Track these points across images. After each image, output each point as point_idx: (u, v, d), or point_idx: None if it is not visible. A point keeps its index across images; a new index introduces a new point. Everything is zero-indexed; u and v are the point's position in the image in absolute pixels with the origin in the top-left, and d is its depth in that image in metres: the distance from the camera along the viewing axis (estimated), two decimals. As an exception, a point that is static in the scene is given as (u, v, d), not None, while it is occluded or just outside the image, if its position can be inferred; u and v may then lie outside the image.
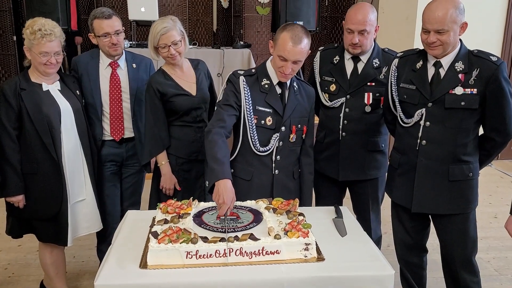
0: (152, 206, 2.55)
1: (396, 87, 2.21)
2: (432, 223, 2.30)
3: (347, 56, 2.47)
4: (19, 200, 2.27)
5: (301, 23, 5.25)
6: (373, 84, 2.44)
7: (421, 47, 2.15)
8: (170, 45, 2.39)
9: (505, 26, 5.31)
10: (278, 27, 5.41)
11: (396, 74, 2.22)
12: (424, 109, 2.08)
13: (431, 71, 2.10)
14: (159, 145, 2.51)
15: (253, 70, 2.21)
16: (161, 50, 2.42)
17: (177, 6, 6.72)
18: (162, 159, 2.52)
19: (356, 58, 2.45)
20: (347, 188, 2.75)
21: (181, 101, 2.47)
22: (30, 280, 2.90)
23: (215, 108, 2.19)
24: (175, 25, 2.41)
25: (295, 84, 2.21)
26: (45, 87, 2.30)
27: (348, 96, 2.45)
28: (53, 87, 2.34)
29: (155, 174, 2.65)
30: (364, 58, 2.45)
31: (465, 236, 2.18)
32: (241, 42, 5.66)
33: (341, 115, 2.47)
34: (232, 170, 2.13)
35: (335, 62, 2.51)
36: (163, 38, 2.38)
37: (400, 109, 2.20)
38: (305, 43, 2.02)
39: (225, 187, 1.80)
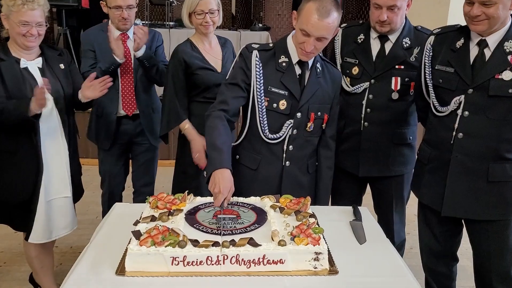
0: (176, 190, 2.49)
1: (430, 69, 1.91)
2: (465, 229, 2.00)
3: (373, 35, 2.18)
4: None
5: (325, 5, 4.96)
6: (402, 67, 2.13)
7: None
8: (207, 12, 2.34)
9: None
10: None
11: (431, 54, 1.92)
12: (462, 96, 1.77)
13: (473, 51, 1.79)
14: (178, 116, 2.40)
15: (271, 45, 1.92)
16: (196, 16, 2.36)
17: (194, -14, 6.47)
18: (185, 124, 2.39)
19: (383, 37, 2.16)
20: (368, 185, 2.47)
21: (205, 75, 2.39)
22: (22, 271, 2.72)
23: (220, 86, 1.94)
24: None
25: (318, 65, 1.91)
26: (23, 63, 2.06)
27: (372, 81, 2.16)
28: (33, 64, 2.09)
29: (179, 157, 2.57)
30: (393, 38, 2.15)
31: (504, 246, 1.88)
32: (260, 25, 5.39)
33: (364, 102, 2.19)
34: (238, 156, 1.96)
35: (359, 41, 2.21)
36: (201, 3, 2.33)
37: (433, 95, 1.90)
38: (334, 17, 1.71)
39: (222, 176, 1.61)
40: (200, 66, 2.39)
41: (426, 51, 1.94)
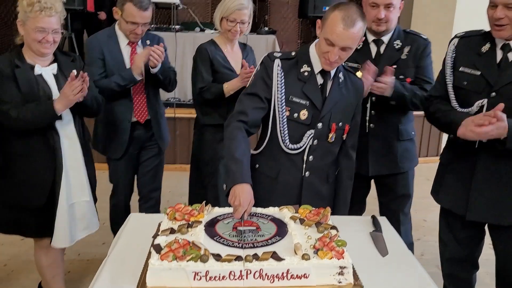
0: (193, 198, 2.68)
1: (452, 70, 1.90)
2: (489, 235, 1.97)
3: (369, 38, 2.28)
4: None
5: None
6: (395, 66, 2.21)
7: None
8: (238, 22, 2.44)
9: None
10: (306, 13, 5.20)
11: (453, 55, 1.91)
12: (485, 100, 1.75)
13: (498, 55, 1.77)
14: (217, 86, 2.47)
15: (293, 53, 1.88)
16: (228, 22, 2.45)
17: (199, -10, 6.47)
18: (224, 85, 2.44)
19: (378, 41, 2.28)
20: (373, 185, 2.54)
21: (226, 75, 2.48)
22: (30, 279, 2.69)
23: (239, 96, 1.91)
24: (249, 6, 2.47)
25: (340, 74, 1.87)
26: (37, 70, 2.03)
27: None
28: (48, 71, 2.07)
29: (193, 163, 2.72)
30: (386, 39, 2.28)
31: None
32: (266, 28, 5.35)
33: (368, 105, 2.27)
34: (257, 165, 1.93)
35: (359, 47, 2.20)
36: (237, 13, 2.42)
37: (453, 96, 1.88)
38: (359, 26, 1.68)
39: (242, 190, 1.61)
40: (221, 64, 2.49)
41: (449, 53, 1.92)
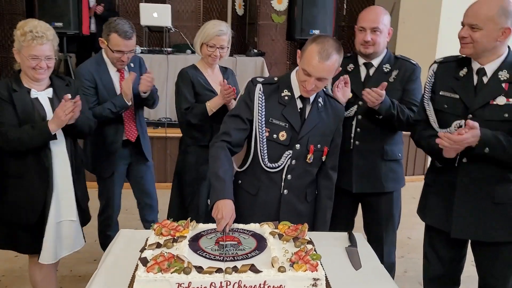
0: (172, 211, 2.74)
1: (430, 94, 2.03)
2: (471, 252, 2.08)
3: (360, 61, 2.40)
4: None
5: (317, 31, 5.12)
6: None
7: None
8: (218, 47, 2.52)
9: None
10: (293, 35, 5.37)
11: (432, 80, 2.03)
12: (463, 121, 1.86)
13: (475, 79, 1.91)
14: (200, 107, 2.54)
15: (276, 79, 2.03)
16: (208, 48, 2.53)
17: (191, 13, 6.66)
18: (207, 104, 2.52)
19: (368, 64, 2.39)
20: (360, 206, 2.60)
21: (207, 97, 2.54)
22: (23, 295, 2.75)
23: (224, 117, 2.04)
24: (227, 32, 2.57)
25: (320, 99, 2.01)
26: (33, 94, 2.15)
27: (360, 103, 2.33)
28: (43, 95, 2.19)
29: (175, 182, 2.76)
30: (376, 63, 2.39)
31: (510, 269, 1.96)
32: (255, 50, 5.51)
33: (353, 122, 2.37)
34: (240, 181, 2.06)
35: (349, 70, 2.41)
36: (216, 38, 2.51)
37: (433, 119, 2.00)
38: (334, 59, 1.82)
39: (224, 204, 1.76)
40: (203, 87, 2.56)
41: (428, 77, 2.05)
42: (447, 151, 1.84)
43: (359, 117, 2.35)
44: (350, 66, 2.41)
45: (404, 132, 2.48)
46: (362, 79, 2.38)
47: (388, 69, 2.36)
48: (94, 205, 2.77)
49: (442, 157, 1.90)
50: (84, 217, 2.43)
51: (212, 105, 2.50)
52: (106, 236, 2.88)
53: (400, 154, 2.47)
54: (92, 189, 2.66)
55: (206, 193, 2.63)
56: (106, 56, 2.65)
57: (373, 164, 2.40)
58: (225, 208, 1.73)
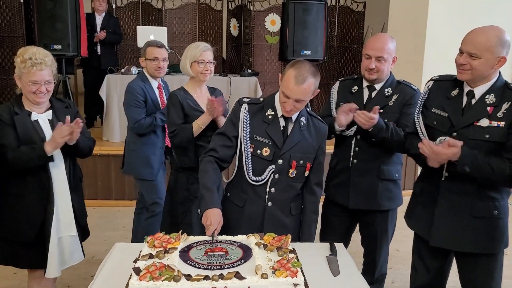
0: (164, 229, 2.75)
1: (420, 109, 2.15)
2: (455, 262, 2.19)
3: (364, 84, 2.52)
4: None
5: (308, 52, 5.29)
6: (381, 111, 2.41)
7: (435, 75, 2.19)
8: (207, 62, 2.69)
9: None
10: (286, 56, 5.55)
11: (425, 96, 2.16)
12: (447, 137, 1.98)
13: (464, 100, 2.04)
14: (186, 128, 2.71)
15: (261, 99, 2.19)
16: (199, 64, 2.68)
17: (187, 34, 6.82)
18: (194, 124, 2.68)
19: (371, 88, 2.50)
20: (358, 223, 2.71)
21: (196, 117, 2.68)
22: (22, 310, 2.84)
23: (212, 135, 2.21)
24: (211, 48, 2.77)
25: (302, 119, 2.15)
26: (34, 116, 2.29)
27: None
28: (43, 117, 2.32)
29: (167, 202, 2.92)
30: (378, 86, 2.50)
31: (491, 279, 2.06)
32: (249, 70, 5.67)
33: (353, 142, 2.49)
34: (228, 194, 2.22)
35: (353, 91, 2.55)
36: (204, 54, 2.69)
37: (421, 131, 2.14)
38: (309, 83, 1.97)
39: (213, 212, 1.94)
40: (192, 108, 2.68)
41: (422, 93, 2.18)
42: (430, 160, 1.97)
43: (358, 137, 2.47)
44: (355, 88, 2.54)
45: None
46: (364, 101, 2.49)
47: (389, 93, 2.47)
48: (92, 224, 2.88)
49: (426, 165, 2.03)
50: (83, 233, 2.55)
51: (200, 122, 2.64)
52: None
53: (397, 175, 2.55)
54: (89, 207, 2.77)
55: (198, 213, 2.72)
56: (147, 73, 3.19)
57: (370, 182, 2.50)
58: (213, 216, 1.91)
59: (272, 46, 6.40)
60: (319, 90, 2.06)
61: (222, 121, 2.67)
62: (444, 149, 1.90)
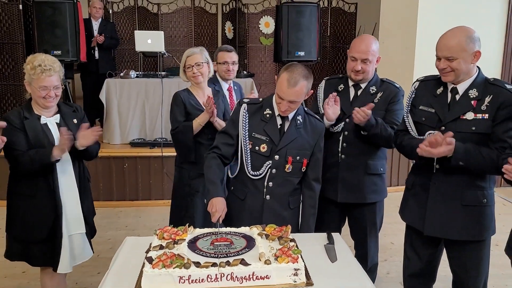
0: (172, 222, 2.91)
1: (409, 107, 2.29)
2: (445, 251, 2.33)
3: (350, 83, 2.64)
4: None
5: (302, 53, 5.43)
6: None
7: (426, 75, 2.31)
8: (193, 65, 2.84)
9: (504, 49, 5.41)
10: (280, 57, 5.69)
11: (413, 96, 2.30)
12: (436, 132, 2.11)
13: (449, 96, 2.18)
14: (187, 125, 2.86)
15: (261, 99, 2.35)
16: (186, 70, 2.90)
17: (183, 38, 6.94)
18: (195, 122, 2.83)
19: (357, 86, 2.63)
20: (346, 217, 2.83)
21: (197, 116, 2.83)
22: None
23: (216, 134, 2.41)
24: (201, 52, 2.91)
25: (299, 117, 2.29)
26: (43, 120, 2.41)
27: (347, 120, 2.57)
28: (52, 120, 2.44)
29: (173, 196, 3.05)
30: (363, 85, 2.62)
31: (479, 264, 2.20)
32: (244, 72, 5.80)
33: (340, 138, 2.60)
34: (232, 188, 2.38)
35: (340, 89, 2.67)
36: (188, 59, 2.88)
37: (411, 128, 2.27)
38: (301, 85, 2.11)
39: (217, 201, 2.13)
40: (194, 107, 2.86)
41: (409, 93, 2.32)
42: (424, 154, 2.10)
43: (346, 133, 2.58)
44: (341, 86, 2.68)
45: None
46: (351, 99, 2.62)
47: (374, 91, 2.59)
48: (97, 221, 3.00)
49: (418, 158, 2.17)
50: (91, 231, 2.67)
51: (200, 120, 2.83)
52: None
53: (382, 169, 2.69)
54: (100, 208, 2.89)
55: (201, 204, 2.89)
56: (218, 76, 3.31)
57: (357, 177, 2.62)
58: (217, 204, 2.10)
59: (266, 48, 6.53)
60: (312, 91, 2.20)
61: (218, 122, 2.86)
62: (440, 149, 2.01)
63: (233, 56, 3.28)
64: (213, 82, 3.26)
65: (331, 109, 2.52)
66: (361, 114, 2.41)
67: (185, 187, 2.95)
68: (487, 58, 5.15)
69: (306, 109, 2.37)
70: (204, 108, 2.82)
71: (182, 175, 2.98)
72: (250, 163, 2.25)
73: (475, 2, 5.18)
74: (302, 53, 5.45)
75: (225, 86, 3.34)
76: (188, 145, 2.87)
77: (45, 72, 2.31)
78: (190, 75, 2.90)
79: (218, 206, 2.09)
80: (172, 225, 2.02)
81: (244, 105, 2.28)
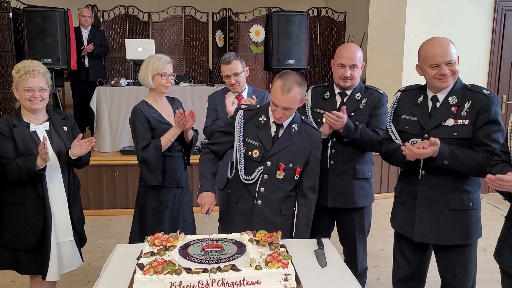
0: (133, 240, 2.78)
1: (391, 117, 2.36)
2: (434, 256, 2.37)
3: (336, 90, 2.70)
4: None
5: (292, 61, 5.47)
6: (352, 114, 2.62)
7: (414, 83, 2.38)
8: (169, 75, 2.73)
9: (490, 57, 5.49)
10: (270, 66, 5.73)
11: (395, 105, 2.37)
12: (420, 139, 2.18)
13: (429, 105, 2.24)
14: (156, 144, 2.72)
15: (258, 106, 2.41)
16: (161, 77, 2.71)
17: (174, 46, 6.96)
18: (162, 139, 2.71)
19: (343, 94, 2.68)
20: (335, 222, 2.86)
21: (163, 130, 2.72)
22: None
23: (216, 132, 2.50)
24: (172, 61, 2.80)
25: (294, 125, 2.31)
26: (32, 128, 2.41)
27: None
28: (41, 128, 2.45)
29: (137, 210, 2.88)
30: (349, 92, 2.68)
31: (467, 267, 2.24)
32: (235, 80, 5.81)
33: (329, 144, 2.65)
34: (229, 191, 2.46)
35: (326, 97, 2.73)
36: (167, 67, 2.73)
37: (394, 136, 2.32)
38: (295, 92, 2.15)
39: (207, 194, 2.30)
40: (157, 120, 2.72)
41: (392, 103, 2.39)
42: (410, 158, 2.16)
43: (334, 139, 2.64)
44: (327, 94, 2.73)
45: (374, 153, 2.76)
46: (337, 106, 2.66)
47: (359, 97, 2.65)
48: (88, 231, 2.99)
49: (405, 164, 2.23)
50: (81, 239, 2.66)
51: (169, 136, 2.69)
52: None
53: (369, 173, 2.74)
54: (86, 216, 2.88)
55: (168, 221, 2.78)
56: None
57: (346, 182, 2.67)
58: (207, 197, 2.27)
59: (257, 56, 6.58)
60: (306, 98, 2.24)
61: (190, 133, 2.79)
62: (424, 150, 2.08)
63: (233, 68, 3.02)
64: (223, 92, 3.13)
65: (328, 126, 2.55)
66: (332, 117, 2.46)
67: (154, 203, 2.77)
68: (473, 66, 5.31)
69: (303, 117, 2.40)
70: (173, 122, 2.69)
71: (148, 192, 2.78)
72: (243, 168, 2.30)
73: (461, 12, 5.27)
74: (292, 61, 5.49)
75: (232, 96, 3.11)
76: (156, 166, 2.70)
77: (29, 73, 2.34)
78: (162, 83, 2.69)
79: (207, 199, 2.25)
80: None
81: (241, 111, 2.34)
